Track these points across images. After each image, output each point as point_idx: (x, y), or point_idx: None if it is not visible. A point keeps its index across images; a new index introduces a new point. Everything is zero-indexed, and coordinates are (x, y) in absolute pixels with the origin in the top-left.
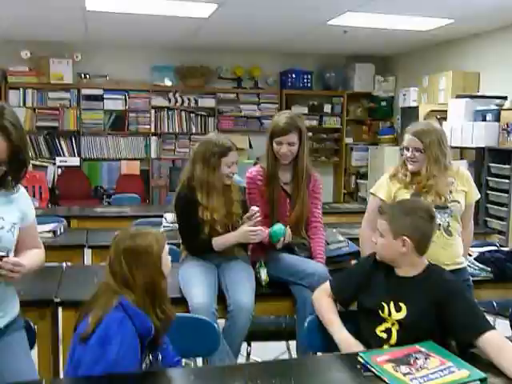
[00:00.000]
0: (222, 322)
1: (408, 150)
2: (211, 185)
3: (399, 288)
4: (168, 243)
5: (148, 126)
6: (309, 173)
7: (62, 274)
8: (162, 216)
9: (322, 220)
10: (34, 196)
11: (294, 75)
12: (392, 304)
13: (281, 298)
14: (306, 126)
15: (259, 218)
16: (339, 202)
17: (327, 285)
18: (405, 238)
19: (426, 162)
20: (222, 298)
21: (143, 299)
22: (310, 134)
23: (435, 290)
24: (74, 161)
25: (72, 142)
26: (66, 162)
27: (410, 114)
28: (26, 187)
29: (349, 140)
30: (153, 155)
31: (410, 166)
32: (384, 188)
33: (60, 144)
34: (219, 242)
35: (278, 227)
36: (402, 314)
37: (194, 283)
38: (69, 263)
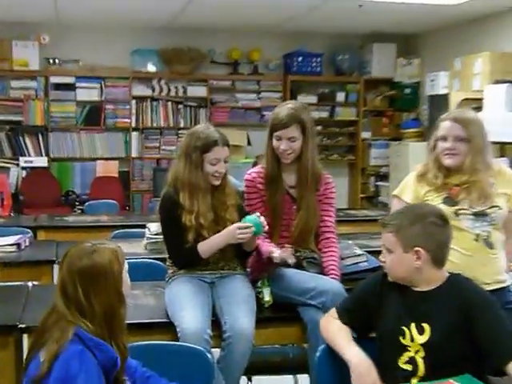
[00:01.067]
0: (216, 351)
1: (446, 139)
2: (194, 185)
3: (419, 305)
4: (153, 258)
5: (128, 120)
6: (318, 174)
7: (28, 295)
8: (144, 226)
9: (336, 230)
10: None
11: (300, 58)
12: (413, 326)
13: (287, 322)
14: (316, 118)
15: (266, 228)
16: (356, 209)
17: (334, 311)
18: (418, 249)
19: (470, 155)
20: (216, 322)
21: (101, 330)
22: (320, 127)
23: (460, 302)
24: (41, 161)
25: (39, 139)
26: (31, 162)
27: (439, 103)
28: None
29: (366, 135)
30: (134, 154)
31: (447, 161)
32: (410, 189)
33: (24, 142)
34: (204, 247)
35: (250, 217)
36: (426, 337)
37: (184, 305)
38: (36, 282)
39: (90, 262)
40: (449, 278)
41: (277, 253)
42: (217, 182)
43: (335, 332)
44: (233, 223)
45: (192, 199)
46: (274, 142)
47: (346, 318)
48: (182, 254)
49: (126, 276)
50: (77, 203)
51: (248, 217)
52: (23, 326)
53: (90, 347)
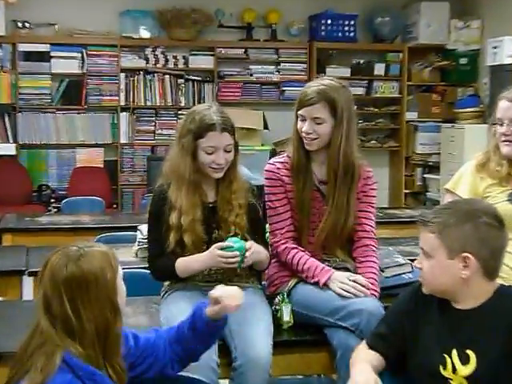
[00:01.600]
0: (225, 382)
1: (502, 124)
2: (180, 175)
3: (462, 327)
4: (146, 268)
5: (116, 98)
6: (355, 166)
7: None
8: (135, 229)
9: (375, 235)
10: None
11: (329, 21)
12: (455, 354)
13: (312, 347)
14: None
15: (250, 253)
16: (398, 207)
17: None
18: (466, 255)
19: None
20: (224, 347)
21: (94, 351)
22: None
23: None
24: (8, 148)
25: (4, 120)
26: None
27: (504, 75)
28: None
29: (412, 115)
30: (123, 140)
31: (504, 149)
32: (467, 182)
33: None
34: (181, 266)
35: (233, 240)
36: (471, 367)
37: None
38: (0, 298)
39: (78, 269)
40: (498, 292)
41: None
42: (217, 175)
43: (356, 361)
44: (240, 228)
45: (177, 193)
46: (299, 123)
47: (380, 346)
48: (156, 265)
49: (120, 283)
50: (52, 200)
51: (233, 238)
52: None
53: (82, 377)
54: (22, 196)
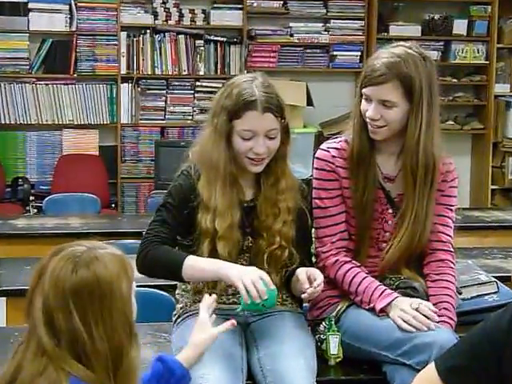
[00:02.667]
0: None
1: None
2: (213, 165)
3: None
4: (153, 286)
5: (115, 65)
6: (435, 159)
7: None
8: (139, 235)
9: (453, 246)
10: None
11: None
12: None
13: None
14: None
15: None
16: (483, 208)
17: (431, 368)
18: None
19: None
20: None
21: (108, 380)
22: None
23: None
24: None
25: None
26: None
27: None
28: None
29: (502, 88)
30: (124, 119)
31: None
32: None
33: None
34: (189, 266)
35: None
36: None
37: (204, 362)
38: None
39: (90, 274)
40: None
41: None
42: (255, 169)
43: None
44: (286, 240)
45: (210, 188)
46: (363, 103)
47: (447, 374)
48: (150, 244)
49: (133, 300)
50: (31, 198)
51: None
52: None
53: None
54: None
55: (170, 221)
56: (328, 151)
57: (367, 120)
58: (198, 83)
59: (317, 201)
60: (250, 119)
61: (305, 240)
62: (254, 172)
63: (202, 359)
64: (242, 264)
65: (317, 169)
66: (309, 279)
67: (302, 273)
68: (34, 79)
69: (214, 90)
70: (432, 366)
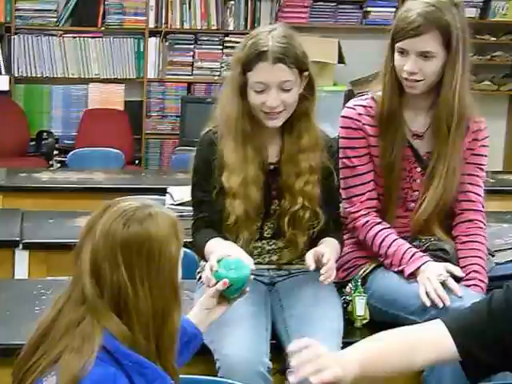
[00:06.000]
0: None
1: None
2: (228, 120)
3: None
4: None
5: (142, 18)
6: (466, 115)
7: None
8: (164, 191)
9: (484, 208)
10: None
11: None
12: None
13: None
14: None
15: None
16: None
17: (441, 323)
18: None
19: None
20: (280, 350)
21: (146, 340)
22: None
23: None
24: None
25: None
26: None
27: None
28: None
29: None
30: (150, 74)
31: None
32: None
33: None
34: (208, 249)
35: (237, 271)
36: None
37: (225, 321)
38: None
39: (143, 230)
40: None
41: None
42: (272, 123)
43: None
44: (310, 199)
45: (225, 145)
46: (397, 58)
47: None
48: (195, 238)
49: (180, 265)
50: (56, 152)
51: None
52: None
53: (128, 370)
54: (16, 145)
55: (204, 196)
56: (354, 109)
57: (403, 75)
58: (226, 38)
59: (344, 160)
60: (260, 71)
61: (331, 200)
62: (271, 127)
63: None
64: (268, 228)
65: (343, 127)
66: (318, 260)
67: (308, 257)
68: (61, 32)
69: None
70: (440, 322)
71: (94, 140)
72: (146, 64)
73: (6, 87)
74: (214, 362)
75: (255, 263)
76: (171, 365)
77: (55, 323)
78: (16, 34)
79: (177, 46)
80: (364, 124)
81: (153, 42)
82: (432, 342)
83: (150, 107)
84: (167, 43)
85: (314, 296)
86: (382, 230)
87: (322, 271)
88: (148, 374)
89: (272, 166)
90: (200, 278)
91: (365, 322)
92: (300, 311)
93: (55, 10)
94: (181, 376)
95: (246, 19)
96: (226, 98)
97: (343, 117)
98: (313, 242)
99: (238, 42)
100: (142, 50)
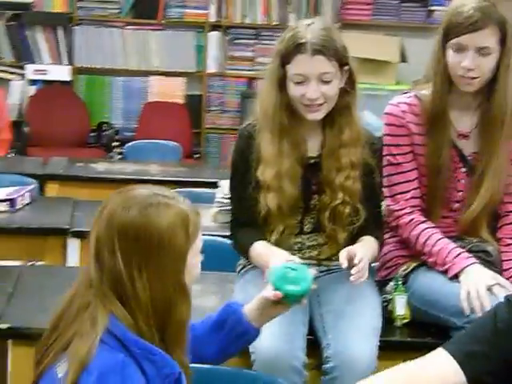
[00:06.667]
0: None
1: None
2: (265, 112)
3: None
4: (225, 236)
5: (204, 12)
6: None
7: (19, 282)
8: (215, 184)
9: None
10: None
11: None
12: None
13: None
14: None
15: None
16: None
17: (443, 351)
18: None
19: None
20: (315, 344)
21: (148, 327)
22: None
23: None
24: (60, 73)
25: (57, 36)
26: (44, 73)
27: None
28: None
29: None
30: (211, 68)
31: None
32: None
33: (35, 39)
34: (254, 253)
35: (299, 276)
36: None
37: None
38: (36, 262)
39: (141, 217)
40: None
41: None
42: (312, 116)
43: None
44: (351, 195)
45: (262, 138)
46: (452, 55)
47: (462, 357)
48: (237, 236)
49: (195, 259)
50: (115, 143)
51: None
52: (6, 326)
53: (137, 356)
54: (77, 136)
55: (242, 192)
56: (398, 106)
57: (458, 73)
58: None
59: (388, 157)
60: (299, 62)
61: (372, 198)
62: (311, 120)
63: None
64: (308, 222)
65: (387, 124)
66: (350, 258)
67: (341, 255)
68: (123, 24)
69: None
70: (442, 350)
71: (154, 133)
72: (206, 58)
73: (67, 77)
74: (250, 355)
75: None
76: (180, 359)
77: (69, 307)
78: (78, 24)
79: (237, 41)
80: (408, 122)
81: (213, 35)
82: (439, 376)
83: (209, 101)
84: (228, 37)
85: (353, 293)
86: (426, 228)
87: (352, 271)
88: (157, 360)
89: (312, 161)
90: (241, 270)
91: (405, 321)
92: (337, 307)
93: (117, 2)
94: (220, 367)
95: (307, 15)
96: (265, 90)
97: (387, 114)
98: (353, 239)
99: None
100: (202, 43)
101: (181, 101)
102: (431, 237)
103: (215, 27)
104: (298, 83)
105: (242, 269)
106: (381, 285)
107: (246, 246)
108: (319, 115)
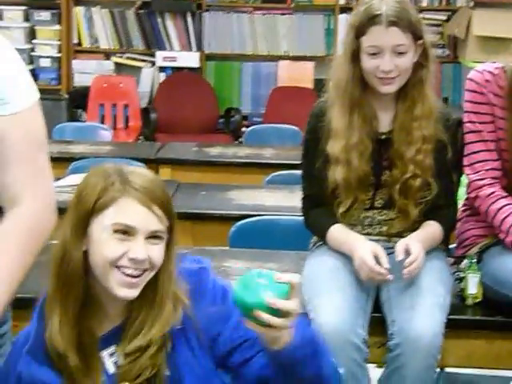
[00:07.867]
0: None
1: None
2: (337, 85)
3: None
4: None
5: None
6: None
7: None
8: None
9: None
10: (102, 122)
11: None
12: None
13: (506, 333)
14: None
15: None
16: None
17: None
18: None
19: None
20: (379, 321)
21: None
22: None
23: None
24: (190, 59)
25: (187, 22)
26: (174, 60)
27: None
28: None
29: None
30: (341, 52)
31: None
32: None
33: (164, 26)
34: (331, 237)
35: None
36: None
37: (327, 289)
38: None
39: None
40: None
41: None
42: (385, 89)
43: None
44: (423, 169)
45: (333, 110)
46: None
47: None
48: (309, 216)
49: (103, 236)
50: (243, 129)
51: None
52: None
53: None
54: (206, 122)
55: (312, 169)
56: (482, 73)
57: None
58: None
59: (468, 124)
60: (374, 34)
61: (444, 174)
62: (385, 93)
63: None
64: (380, 198)
65: (468, 90)
66: (406, 251)
67: (398, 247)
68: (252, 9)
69: (437, 22)
70: None
71: (283, 118)
72: (335, 41)
73: (196, 64)
74: None
75: (365, 233)
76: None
77: None
78: (207, 11)
79: None
80: (489, 91)
81: (343, 18)
82: None
83: None
84: None
85: (423, 269)
86: (507, 205)
87: (404, 271)
88: None
89: (383, 136)
90: (312, 246)
91: (477, 300)
92: (404, 284)
93: None
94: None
95: None
96: (338, 64)
97: (470, 80)
98: (425, 215)
99: (432, 19)
100: (331, 26)
101: (310, 85)
102: (511, 214)
103: (345, 10)
104: (372, 55)
105: (314, 245)
106: (456, 261)
107: (322, 229)
108: (392, 88)
